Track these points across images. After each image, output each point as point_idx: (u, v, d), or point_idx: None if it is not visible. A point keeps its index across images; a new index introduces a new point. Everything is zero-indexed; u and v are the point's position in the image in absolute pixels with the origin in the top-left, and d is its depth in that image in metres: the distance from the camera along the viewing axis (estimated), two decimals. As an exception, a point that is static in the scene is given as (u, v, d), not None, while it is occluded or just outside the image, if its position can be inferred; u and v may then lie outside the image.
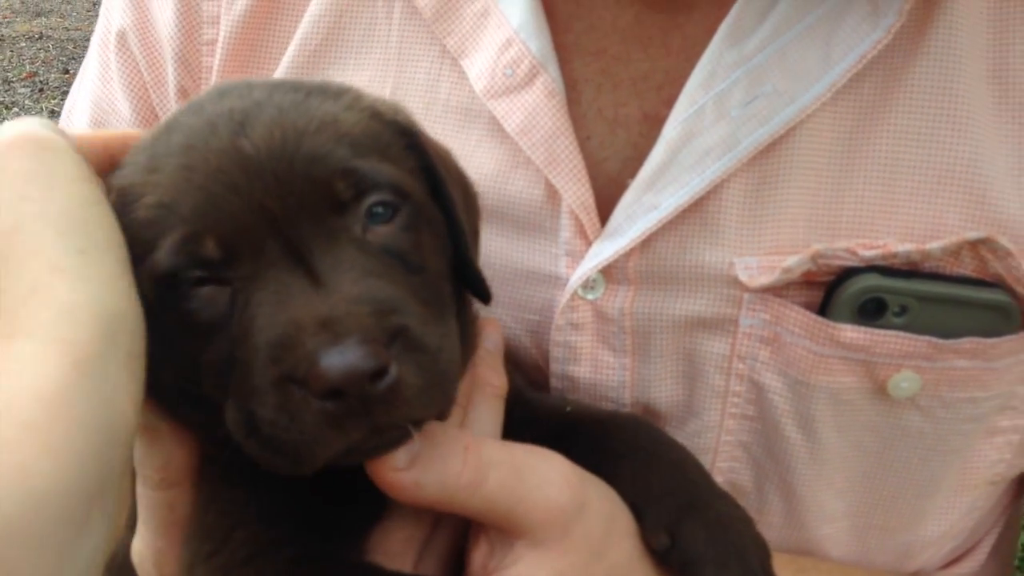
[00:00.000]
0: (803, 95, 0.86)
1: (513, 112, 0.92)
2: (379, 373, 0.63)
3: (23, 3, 11.80)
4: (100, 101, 1.14)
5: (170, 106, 1.09)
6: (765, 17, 0.87)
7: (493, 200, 0.91)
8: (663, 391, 0.95)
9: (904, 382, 0.88)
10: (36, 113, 8.21)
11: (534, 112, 0.91)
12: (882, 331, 0.87)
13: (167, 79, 1.09)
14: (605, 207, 0.92)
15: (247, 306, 0.67)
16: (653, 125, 0.91)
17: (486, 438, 0.80)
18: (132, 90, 1.11)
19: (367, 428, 0.65)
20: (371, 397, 0.63)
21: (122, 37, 1.10)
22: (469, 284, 0.83)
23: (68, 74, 9.17)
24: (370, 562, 0.78)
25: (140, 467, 0.80)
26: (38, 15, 11.27)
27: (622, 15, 0.93)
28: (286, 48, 1.03)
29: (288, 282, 0.66)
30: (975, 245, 0.85)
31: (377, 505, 0.79)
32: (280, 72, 1.03)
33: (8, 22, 10.93)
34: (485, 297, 0.84)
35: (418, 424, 0.70)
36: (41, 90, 8.80)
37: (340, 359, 0.61)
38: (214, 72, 1.06)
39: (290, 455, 0.66)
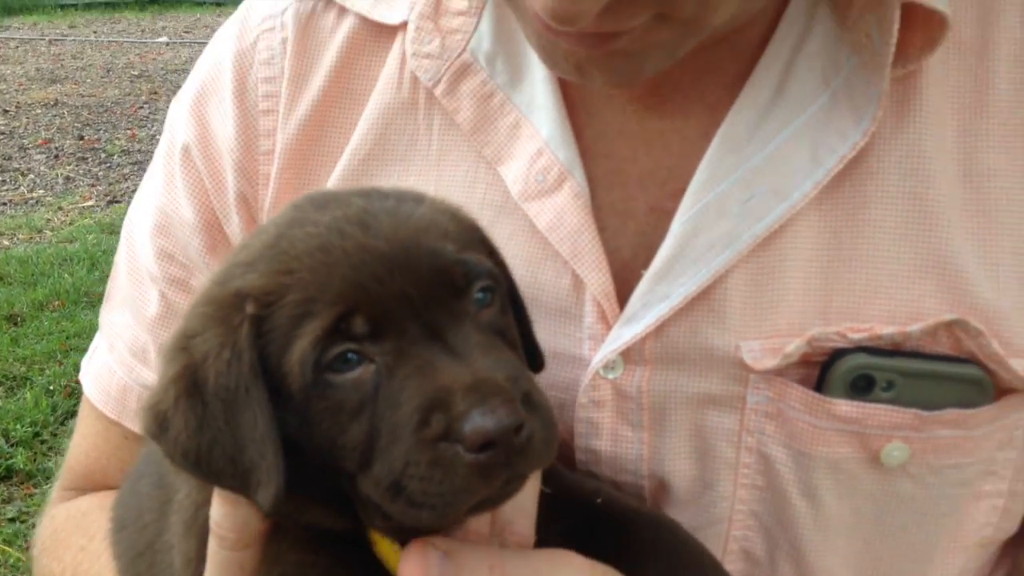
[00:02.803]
0: (792, 193, 0.94)
1: (544, 212, 1.00)
2: (520, 427, 0.72)
3: (39, 71, 12.06)
4: (164, 207, 1.21)
5: (230, 210, 1.16)
6: (757, 125, 0.96)
7: (524, 288, 0.97)
8: (678, 463, 1.01)
9: (895, 451, 0.94)
10: (51, 180, 8.33)
11: (561, 212, 1.00)
12: (872, 405, 0.93)
13: (227, 186, 1.16)
14: (621, 291, 0.99)
15: (392, 379, 0.75)
16: (659, 216, 0.99)
17: (510, 553, 0.85)
18: (195, 197, 1.18)
19: (506, 477, 0.74)
20: (513, 448, 0.72)
21: (186, 151, 1.18)
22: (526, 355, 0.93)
23: (83, 140, 9.34)
24: None
25: (218, 528, 0.86)
26: (53, 82, 11.50)
27: (627, 122, 1.02)
28: (338, 158, 1.11)
29: (430, 357, 0.75)
30: (950, 326, 0.91)
31: None
32: (335, 177, 1.11)
33: (24, 89, 11.15)
34: (539, 365, 0.95)
35: (536, 472, 0.81)
36: (56, 156, 8.94)
37: (493, 416, 0.70)
38: (272, 179, 1.13)
39: (436, 507, 0.74)
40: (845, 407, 0.93)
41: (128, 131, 9.71)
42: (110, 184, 8.29)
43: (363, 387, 0.76)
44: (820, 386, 0.94)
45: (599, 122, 1.02)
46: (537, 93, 1.02)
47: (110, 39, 14.12)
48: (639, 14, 0.80)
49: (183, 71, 12.09)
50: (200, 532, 0.90)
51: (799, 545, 0.99)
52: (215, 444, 0.78)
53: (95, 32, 14.71)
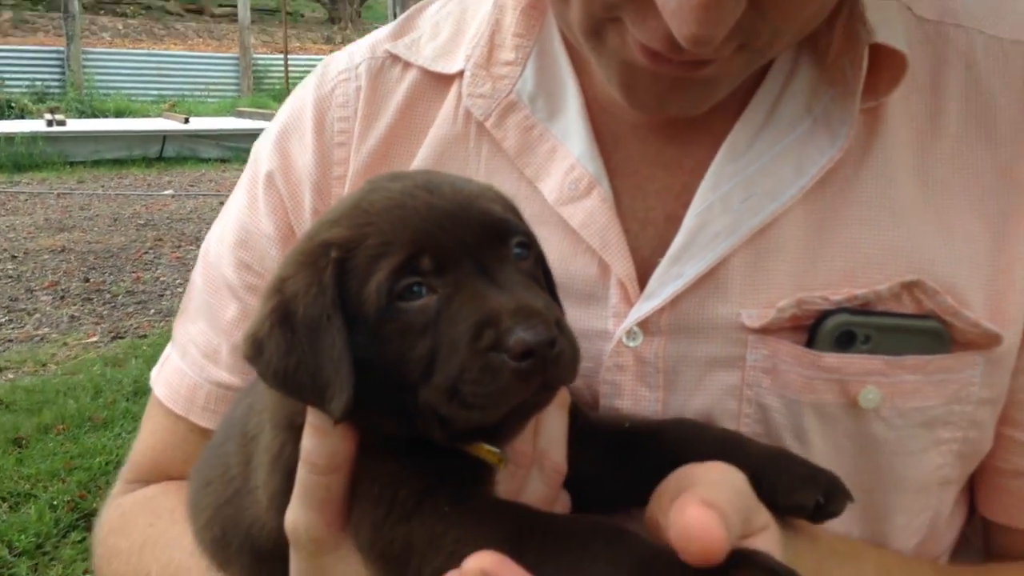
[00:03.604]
0: (783, 195, 1.16)
1: (576, 213, 1.22)
2: (553, 342, 0.88)
3: (47, 220, 12.47)
4: (246, 224, 1.43)
5: (305, 224, 1.38)
6: (752, 143, 1.19)
7: (559, 278, 1.16)
8: (689, 414, 1.18)
9: (869, 395, 1.13)
10: (57, 318, 8.56)
11: (591, 213, 1.21)
12: (851, 355, 1.14)
13: (304, 204, 1.39)
14: (641, 281, 1.20)
15: (451, 305, 0.93)
16: (673, 222, 1.20)
17: None
18: (275, 214, 1.41)
19: (540, 383, 0.90)
20: (548, 359, 0.88)
21: (269, 176, 1.41)
22: None
23: (89, 283, 9.61)
24: (502, 499, 1.00)
25: (308, 455, 1.00)
26: (61, 231, 11.88)
27: (647, 147, 1.23)
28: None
29: (482, 288, 0.93)
30: (909, 286, 1.12)
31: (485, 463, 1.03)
32: None
33: (32, 237, 11.51)
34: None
35: (564, 404, 1.03)
36: (62, 297, 9.19)
37: (533, 331, 0.87)
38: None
39: (485, 407, 0.90)
40: (830, 359, 1.13)
41: (133, 274, 10.00)
42: (114, 322, 8.50)
43: (428, 312, 0.92)
44: (811, 344, 1.14)
45: (624, 148, 1.25)
46: (571, 125, 1.25)
47: (117, 192, 14.63)
48: (732, 42, 0.98)
49: (188, 220, 12.55)
50: (285, 466, 1.06)
51: None
52: (300, 364, 0.94)
53: (102, 186, 15.23)
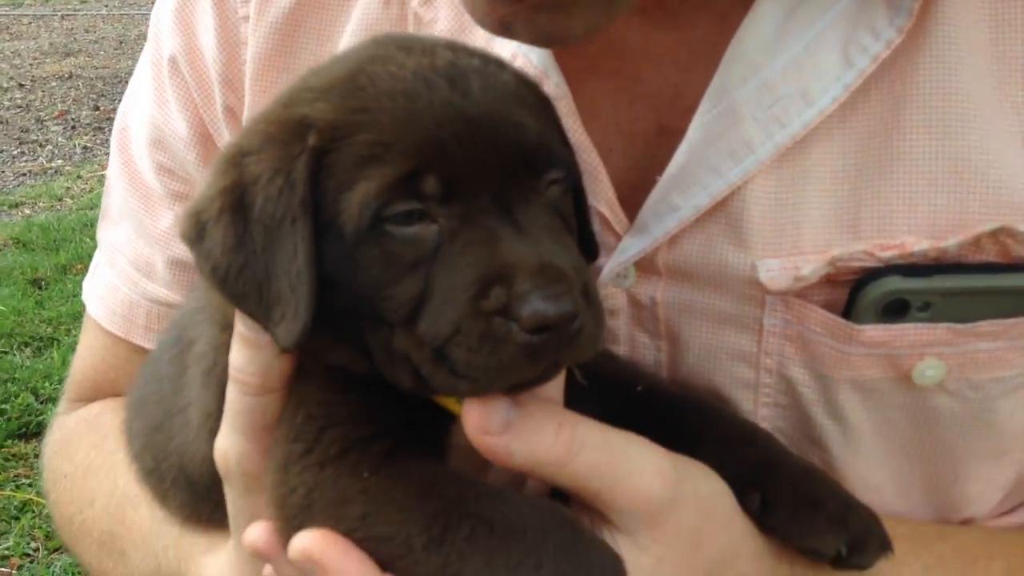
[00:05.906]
0: (822, 98, 0.88)
1: None
2: (575, 316, 0.71)
3: (52, 45, 12.06)
4: (157, 122, 1.20)
5: (219, 123, 1.15)
6: (780, 27, 0.90)
7: None
8: (697, 379, 0.99)
9: (929, 370, 0.90)
10: (69, 150, 8.34)
11: None
12: (903, 326, 0.89)
13: (214, 99, 1.15)
14: (633, 209, 0.96)
15: (454, 243, 0.74)
16: (670, 136, 0.95)
17: (584, 418, 0.82)
18: (186, 110, 1.17)
19: (551, 362, 0.74)
20: (564, 336, 0.71)
21: (173, 62, 1.16)
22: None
23: (99, 111, 9.34)
24: (451, 469, 0.83)
25: (239, 373, 0.84)
26: (67, 55, 11.49)
27: (631, 35, 0.97)
28: (327, 53, 1.07)
29: (497, 229, 0.74)
30: (994, 235, 0.87)
31: (447, 414, 0.84)
32: None
33: (38, 63, 11.15)
34: (594, 254, 0.92)
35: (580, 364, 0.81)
36: (73, 127, 8.96)
37: (555, 301, 0.70)
38: (246, 88, 1.11)
39: (478, 380, 0.73)
40: (872, 332, 0.89)
41: (143, 100, 9.71)
42: (128, 152, 8.31)
43: (423, 245, 0.75)
44: (849, 310, 0.90)
45: (601, 36, 0.95)
46: None
47: (122, 12, 14.14)
48: None
49: (196, 39, 12.08)
50: (219, 381, 0.89)
51: (828, 458, 0.97)
52: (247, 266, 0.77)
53: (107, 6, 14.72)
